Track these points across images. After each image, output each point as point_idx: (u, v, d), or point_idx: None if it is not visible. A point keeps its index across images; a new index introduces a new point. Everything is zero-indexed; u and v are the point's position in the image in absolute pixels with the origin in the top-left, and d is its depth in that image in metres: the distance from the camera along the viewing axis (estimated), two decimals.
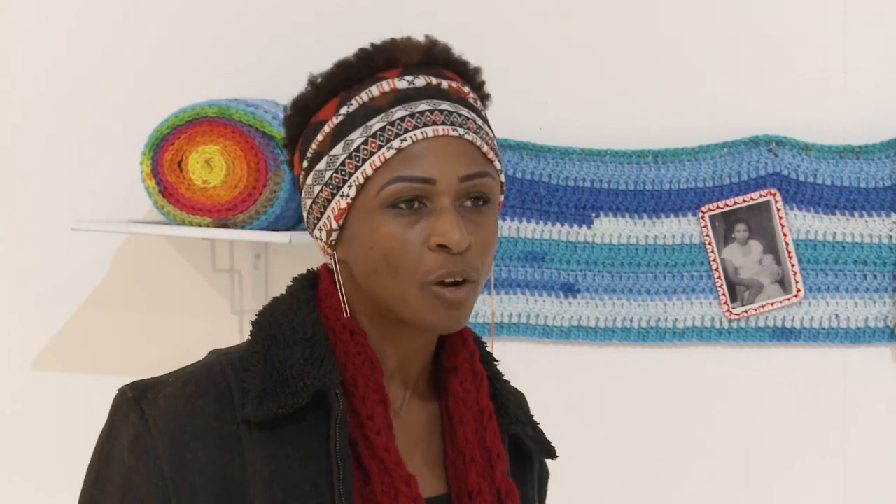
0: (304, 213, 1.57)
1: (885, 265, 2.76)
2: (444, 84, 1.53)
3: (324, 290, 1.57)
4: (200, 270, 2.93)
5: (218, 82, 2.86)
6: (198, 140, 2.68)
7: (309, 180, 1.53)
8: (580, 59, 2.84)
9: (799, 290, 2.77)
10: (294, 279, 1.60)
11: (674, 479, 2.85)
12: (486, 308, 2.84)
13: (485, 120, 1.56)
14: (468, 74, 1.57)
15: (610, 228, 2.83)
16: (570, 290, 2.84)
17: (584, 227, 2.83)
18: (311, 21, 2.88)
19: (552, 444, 1.68)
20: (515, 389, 1.71)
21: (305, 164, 1.54)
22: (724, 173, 2.79)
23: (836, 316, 2.78)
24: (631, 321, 2.82)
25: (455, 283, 1.49)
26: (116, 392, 1.54)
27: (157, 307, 2.95)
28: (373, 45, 1.54)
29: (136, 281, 2.96)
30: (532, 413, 1.72)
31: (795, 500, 2.82)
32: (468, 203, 1.50)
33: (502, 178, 1.56)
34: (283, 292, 1.60)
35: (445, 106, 1.51)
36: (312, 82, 1.55)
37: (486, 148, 1.52)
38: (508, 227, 2.83)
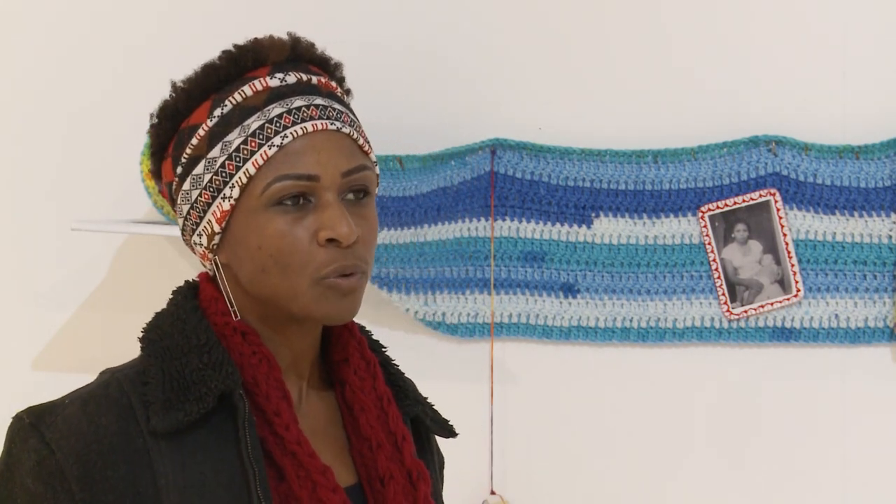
0: (180, 221, 1.56)
1: (884, 265, 2.76)
2: (314, 80, 1.53)
3: (207, 298, 1.57)
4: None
5: None
6: None
7: (185, 185, 1.52)
8: (580, 59, 2.84)
9: (799, 290, 2.77)
10: (174, 291, 1.61)
11: (673, 478, 2.85)
12: (486, 308, 2.83)
13: (354, 114, 1.56)
14: (331, 69, 1.57)
15: (610, 228, 2.83)
16: (569, 290, 2.84)
17: (584, 227, 2.83)
18: (312, 22, 2.87)
19: (451, 423, 1.68)
20: (405, 375, 1.71)
21: (180, 169, 1.52)
22: (723, 173, 2.79)
23: (836, 316, 2.78)
24: (631, 321, 2.82)
25: (346, 275, 1.49)
26: (11, 419, 1.51)
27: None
28: (236, 46, 1.54)
29: (136, 281, 2.95)
30: (426, 396, 1.71)
31: (795, 499, 2.82)
32: (350, 196, 1.50)
33: (377, 170, 1.56)
34: (165, 307, 1.59)
35: (319, 101, 1.51)
36: (178, 88, 1.53)
37: (361, 141, 1.53)
38: (508, 227, 2.83)
